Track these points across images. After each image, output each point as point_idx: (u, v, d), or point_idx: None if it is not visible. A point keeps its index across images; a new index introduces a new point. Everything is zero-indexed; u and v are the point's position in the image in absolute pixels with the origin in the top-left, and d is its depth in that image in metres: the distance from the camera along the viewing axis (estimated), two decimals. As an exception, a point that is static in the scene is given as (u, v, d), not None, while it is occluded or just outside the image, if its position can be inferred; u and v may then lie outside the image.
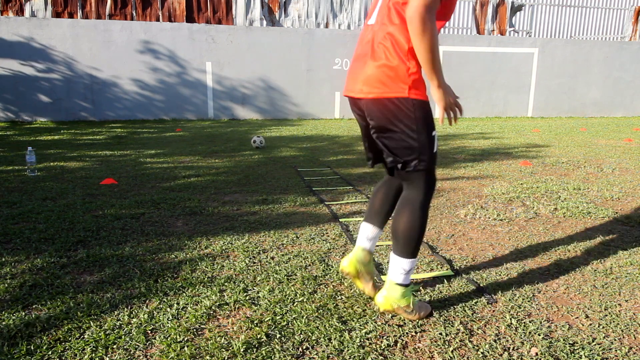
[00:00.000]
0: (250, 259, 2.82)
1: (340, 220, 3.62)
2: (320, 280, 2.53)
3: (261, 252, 2.94)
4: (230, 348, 1.90)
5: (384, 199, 2.28)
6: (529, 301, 2.33)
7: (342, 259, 2.38)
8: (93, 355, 1.85)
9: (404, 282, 2.09)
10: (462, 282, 2.54)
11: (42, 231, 3.25)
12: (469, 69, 13.24)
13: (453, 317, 2.17)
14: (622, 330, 2.08)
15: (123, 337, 1.97)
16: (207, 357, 1.84)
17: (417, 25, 1.74)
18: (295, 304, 2.27)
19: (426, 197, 2.05)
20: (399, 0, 1.89)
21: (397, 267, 2.08)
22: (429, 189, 2.06)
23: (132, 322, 2.09)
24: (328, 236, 3.24)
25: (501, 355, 1.89)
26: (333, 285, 2.48)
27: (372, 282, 2.29)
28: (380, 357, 1.86)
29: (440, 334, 2.03)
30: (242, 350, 1.88)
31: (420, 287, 2.47)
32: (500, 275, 2.64)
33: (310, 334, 2.01)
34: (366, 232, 2.28)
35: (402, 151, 1.98)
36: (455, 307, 2.26)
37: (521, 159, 6.48)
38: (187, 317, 2.13)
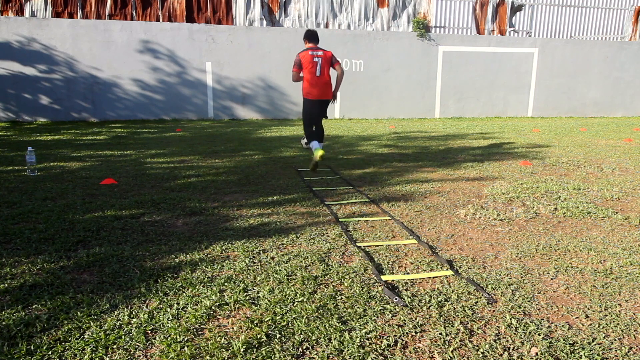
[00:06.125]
0: (250, 259, 2.82)
1: (341, 220, 3.62)
2: (320, 280, 2.53)
3: (261, 252, 2.94)
4: (230, 348, 1.90)
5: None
6: (529, 301, 2.33)
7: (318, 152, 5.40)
8: (93, 355, 1.85)
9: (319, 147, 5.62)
10: (462, 282, 2.54)
11: (42, 231, 3.25)
12: (469, 69, 13.24)
13: (453, 317, 2.17)
14: (622, 330, 2.08)
15: (123, 337, 1.97)
16: (207, 357, 1.84)
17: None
18: (295, 304, 2.27)
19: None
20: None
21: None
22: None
23: (132, 322, 2.09)
24: (328, 236, 3.24)
25: (501, 355, 1.89)
26: (333, 285, 2.48)
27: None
28: (380, 357, 1.86)
29: (440, 334, 2.03)
30: (242, 350, 1.88)
31: (420, 287, 2.47)
32: (500, 275, 2.64)
33: (310, 334, 2.01)
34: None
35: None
36: (455, 307, 2.26)
37: (521, 159, 6.48)
38: (187, 317, 2.13)
